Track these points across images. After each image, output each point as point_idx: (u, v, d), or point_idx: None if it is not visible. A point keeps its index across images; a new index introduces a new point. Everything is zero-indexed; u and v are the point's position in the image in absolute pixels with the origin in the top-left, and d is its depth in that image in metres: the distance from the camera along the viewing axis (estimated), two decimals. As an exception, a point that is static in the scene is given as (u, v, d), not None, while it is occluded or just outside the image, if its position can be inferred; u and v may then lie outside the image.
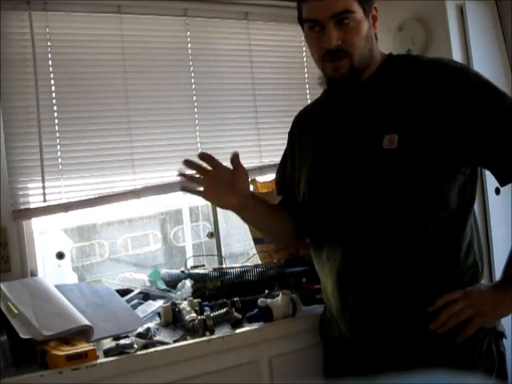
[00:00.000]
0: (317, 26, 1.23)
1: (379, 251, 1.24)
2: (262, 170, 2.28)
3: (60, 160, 1.95)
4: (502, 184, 1.24)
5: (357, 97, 1.31)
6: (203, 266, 2.03)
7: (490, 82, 1.24)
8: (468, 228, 1.26)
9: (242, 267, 1.84)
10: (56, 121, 1.96)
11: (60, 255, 2.07)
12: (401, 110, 1.23)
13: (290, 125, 1.55)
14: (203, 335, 1.45)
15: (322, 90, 1.42)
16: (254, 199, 1.36)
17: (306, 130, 1.45)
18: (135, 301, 1.78)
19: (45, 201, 1.91)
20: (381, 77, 1.29)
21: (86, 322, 1.44)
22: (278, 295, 1.57)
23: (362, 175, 1.25)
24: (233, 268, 1.83)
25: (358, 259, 1.27)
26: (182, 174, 1.28)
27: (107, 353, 1.35)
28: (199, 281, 1.83)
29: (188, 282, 1.78)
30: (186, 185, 1.33)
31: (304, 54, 2.37)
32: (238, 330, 1.49)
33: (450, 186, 1.22)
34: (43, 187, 1.91)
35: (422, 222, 1.22)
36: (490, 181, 1.82)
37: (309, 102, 2.08)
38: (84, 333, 1.42)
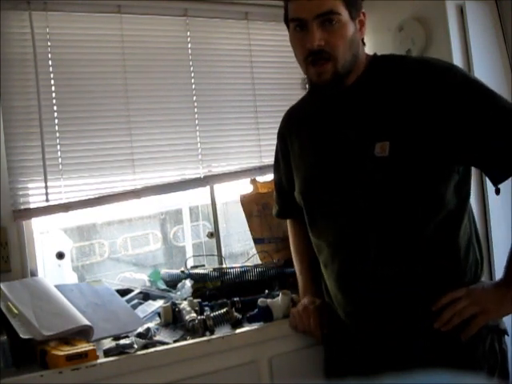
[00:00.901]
0: (301, 25, 1.22)
1: (378, 255, 1.23)
2: (262, 169, 2.28)
3: (60, 160, 1.95)
4: (495, 183, 1.23)
5: (344, 102, 1.30)
6: (203, 266, 2.03)
7: (478, 80, 1.23)
8: (466, 225, 1.26)
9: (241, 267, 1.84)
10: (56, 121, 1.96)
11: (60, 255, 2.07)
12: (390, 116, 1.22)
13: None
14: (203, 335, 1.45)
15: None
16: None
17: (295, 131, 1.45)
18: (135, 301, 1.78)
19: (47, 200, 1.91)
20: (367, 81, 1.28)
21: (85, 322, 1.43)
22: (278, 295, 1.57)
23: (355, 183, 1.25)
24: (233, 268, 1.83)
25: (356, 262, 1.27)
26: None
27: (107, 353, 1.35)
28: (199, 281, 1.82)
29: (188, 282, 1.78)
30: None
31: (304, 54, 2.37)
32: (237, 330, 1.49)
33: (446, 187, 1.21)
34: (46, 187, 1.91)
35: (419, 225, 1.21)
36: (490, 181, 1.82)
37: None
38: (84, 333, 1.42)
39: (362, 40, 1.31)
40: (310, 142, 1.38)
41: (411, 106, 1.20)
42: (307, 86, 1.32)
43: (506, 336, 1.29)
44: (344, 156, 1.27)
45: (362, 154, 1.23)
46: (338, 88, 1.26)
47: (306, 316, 1.43)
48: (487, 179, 1.26)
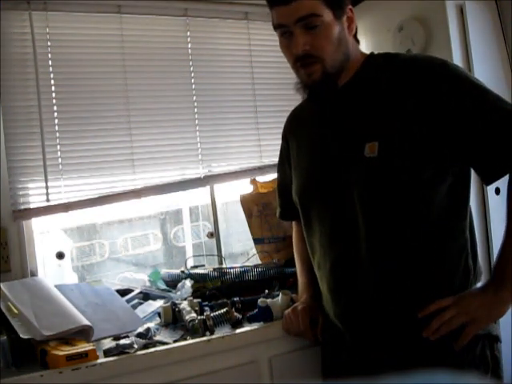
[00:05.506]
0: (286, 31, 1.21)
1: (368, 256, 1.22)
2: (262, 169, 2.29)
3: (60, 160, 1.95)
4: (487, 183, 1.19)
5: (336, 103, 1.29)
6: (203, 266, 2.03)
7: (470, 76, 1.20)
8: (460, 231, 1.23)
9: (241, 267, 1.84)
10: (56, 121, 1.96)
11: (60, 255, 2.07)
12: (380, 116, 1.20)
13: (290, 125, 1.55)
14: (203, 335, 1.45)
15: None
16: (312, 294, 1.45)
17: (295, 132, 1.45)
18: (135, 301, 1.78)
19: (48, 200, 1.92)
20: (359, 81, 1.26)
21: (85, 322, 1.43)
22: (278, 295, 1.57)
23: (346, 185, 1.23)
24: (233, 268, 1.83)
25: (346, 264, 1.26)
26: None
27: (107, 353, 1.35)
28: (199, 281, 1.82)
29: (188, 282, 1.78)
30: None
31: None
32: (237, 330, 1.49)
33: (437, 190, 1.18)
34: (46, 187, 1.91)
35: (408, 227, 1.19)
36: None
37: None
38: (84, 333, 1.42)
39: (355, 37, 1.29)
40: (306, 144, 1.38)
41: (400, 105, 1.18)
42: (299, 89, 1.29)
43: (499, 343, 1.25)
44: (336, 158, 1.26)
45: (352, 156, 1.22)
46: (330, 86, 1.25)
47: (295, 317, 1.43)
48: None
